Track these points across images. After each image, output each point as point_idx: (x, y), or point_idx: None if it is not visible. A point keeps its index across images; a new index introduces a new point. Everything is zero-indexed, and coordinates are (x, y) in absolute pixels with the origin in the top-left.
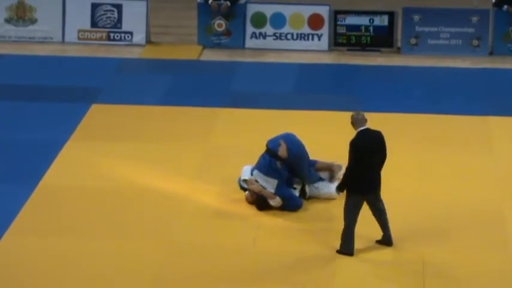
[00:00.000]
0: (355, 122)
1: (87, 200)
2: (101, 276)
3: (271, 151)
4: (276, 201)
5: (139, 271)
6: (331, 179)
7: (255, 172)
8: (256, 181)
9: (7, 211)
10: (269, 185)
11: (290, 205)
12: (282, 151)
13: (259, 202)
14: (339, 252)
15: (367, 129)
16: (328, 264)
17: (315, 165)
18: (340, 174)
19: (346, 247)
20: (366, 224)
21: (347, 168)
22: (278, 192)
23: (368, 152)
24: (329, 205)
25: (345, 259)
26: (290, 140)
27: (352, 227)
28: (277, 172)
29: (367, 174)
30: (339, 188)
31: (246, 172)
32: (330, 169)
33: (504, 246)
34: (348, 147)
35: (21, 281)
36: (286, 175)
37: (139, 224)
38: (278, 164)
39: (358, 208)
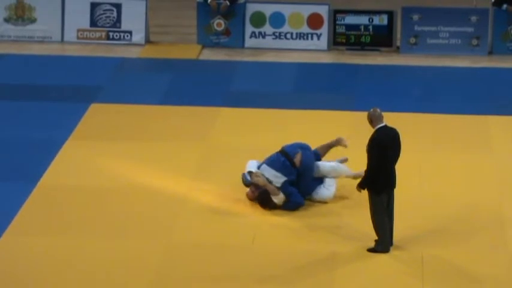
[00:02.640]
0: (373, 120)
1: (86, 199)
2: (100, 275)
3: (288, 155)
4: (279, 198)
5: (138, 270)
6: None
7: (263, 167)
8: (262, 175)
9: (6, 210)
10: (276, 180)
11: (292, 201)
12: (297, 160)
13: (262, 199)
14: (373, 251)
15: (385, 126)
16: (328, 263)
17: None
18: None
19: (384, 245)
20: (366, 223)
21: (370, 167)
22: (283, 189)
23: (389, 148)
24: (329, 203)
25: (344, 258)
26: (306, 153)
27: (386, 225)
28: (288, 170)
29: (390, 170)
30: (361, 186)
31: (252, 165)
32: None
33: (504, 246)
34: (367, 145)
35: (20, 279)
36: (293, 179)
37: (138, 223)
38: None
39: (384, 206)
